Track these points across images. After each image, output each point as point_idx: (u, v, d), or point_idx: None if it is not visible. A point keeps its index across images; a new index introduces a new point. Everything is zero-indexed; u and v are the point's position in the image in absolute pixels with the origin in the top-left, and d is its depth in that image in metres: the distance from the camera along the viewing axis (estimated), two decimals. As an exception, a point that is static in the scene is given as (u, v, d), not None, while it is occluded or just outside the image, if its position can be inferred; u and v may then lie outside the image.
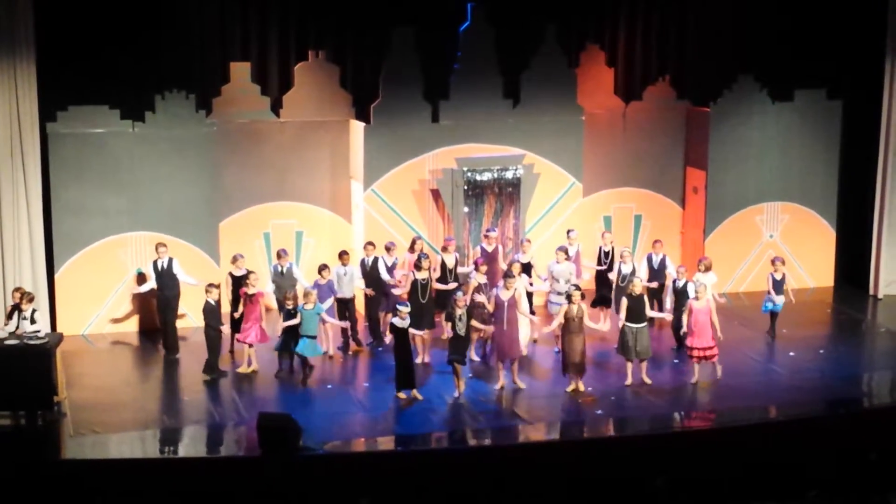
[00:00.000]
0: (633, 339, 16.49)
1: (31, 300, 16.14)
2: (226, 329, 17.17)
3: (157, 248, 18.10)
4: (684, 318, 16.88)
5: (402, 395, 16.11)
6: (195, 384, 16.75)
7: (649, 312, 16.76)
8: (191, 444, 15.16)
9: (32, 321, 15.92)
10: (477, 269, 17.53)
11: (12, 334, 15.60)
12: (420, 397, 16.08)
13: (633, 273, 17.86)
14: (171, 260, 18.03)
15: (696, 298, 16.69)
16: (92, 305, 18.81)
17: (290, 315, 16.82)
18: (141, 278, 18.60)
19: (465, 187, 19.44)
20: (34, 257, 18.18)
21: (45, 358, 15.39)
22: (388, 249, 18.30)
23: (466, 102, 19.66)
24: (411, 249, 18.44)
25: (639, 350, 16.55)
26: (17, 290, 16.39)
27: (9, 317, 16.06)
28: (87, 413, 15.53)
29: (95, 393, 16.34)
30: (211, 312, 16.83)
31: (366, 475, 14.09)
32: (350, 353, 18.00)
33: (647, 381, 16.63)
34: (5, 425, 15.22)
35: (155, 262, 18.05)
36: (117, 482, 13.73)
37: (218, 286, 17.13)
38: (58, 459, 14.44)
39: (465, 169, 19.45)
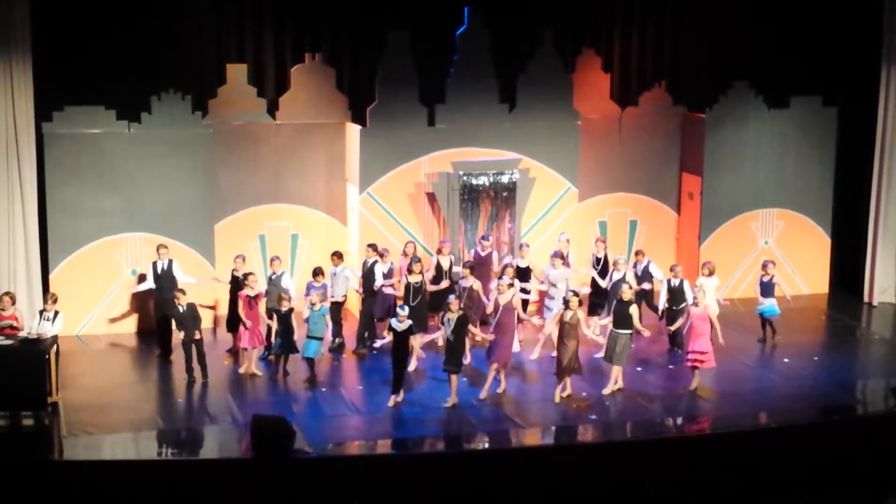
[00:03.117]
0: (615, 344, 16.45)
1: (55, 301, 16.25)
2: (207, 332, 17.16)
3: (157, 250, 18.10)
4: (680, 320, 16.93)
5: (397, 398, 16.08)
6: (189, 386, 16.72)
7: (637, 325, 16.54)
8: (185, 446, 15.12)
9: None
10: (471, 272, 17.59)
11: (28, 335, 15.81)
12: (400, 400, 15.98)
13: (622, 279, 17.77)
14: (171, 262, 18.03)
15: (695, 304, 16.68)
16: (87, 306, 18.79)
17: (283, 318, 16.82)
18: (141, 278, 18.59)
19: (461, 191, 19.44)
20: (29, 258, 18.17)
21: (39, 359, 15.39)
22: (381, 256, 18.27)
23: (463, 106, 19.65)
24: (405, 254, 18.47)
25: (615, 356, 16.46)
26: (50, 294, 16.57)
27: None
28: (81, 414, 15.52)
29: (90, 394, 16.32)
30: (180, 319, 16.80)
31: (358, 478, 14.07)
32: (343, 355, 18.03)
33: (610, 390, 16.46)
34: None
35: (154, 264, 18.06)
36: (111, 483, 13.70)
37: (186, 292, 17.11)
38: (51, 460, 14.41)
39: (460, 173, 19.46)
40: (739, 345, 18.43)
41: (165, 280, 17.92)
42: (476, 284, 17.56)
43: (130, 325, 19.10)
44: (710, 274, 18.13)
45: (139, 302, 18.94)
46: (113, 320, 18.98)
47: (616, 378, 16.55)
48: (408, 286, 17.53)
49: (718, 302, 18.16)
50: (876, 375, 17.75)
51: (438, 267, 18.30)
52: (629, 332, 16.46)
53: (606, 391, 16.46)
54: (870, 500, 13.58)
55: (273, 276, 17.89)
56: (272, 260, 18.16)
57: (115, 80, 18.38)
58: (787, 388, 16.88)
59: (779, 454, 14.90)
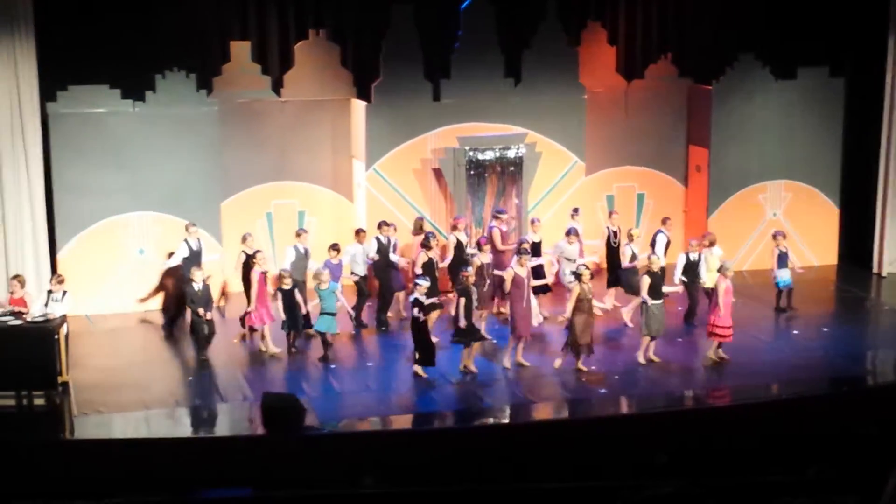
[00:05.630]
0: (657, 317, 16.46)
1: (61, 282, 16.24)
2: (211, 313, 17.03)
3: (187, 228, 18.03)
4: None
5: (419, 370, 16.04)
6: (200, 365, 16.73)
7: (667, 290, 16.75)
8: (195, 424, 15.16)
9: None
10: (480, 248, 17.53)
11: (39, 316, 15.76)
12: (424, 374, 16.03)
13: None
14: (199, 241, 18.07)
15: (725, 276, 16.54)
16: (94, 286, 18.78)
17: (286, 295, 16.78)
18: (170, 255, 18.50)
19: (467, 166, 19.38)
20: (36, 238, 18.18)
21: (48, 339, 15.40)
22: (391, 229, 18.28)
23: (468, 81, 19.60)
24: (416, 232, 18.42)
25: (657, 328, 16.53)
26: (56, 275, 16.60)
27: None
28: (91, 393, 15.54)
29: (99, 373, 16.34)
30: (194, 297, 16.78)
31: (370, 454, 14.08)
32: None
33: (655, 359, 16.59)
34: (10, 406, 15.23)
35: (187, 241, 17.98)
36: (121, 462, 13.72)
37: (202, 270, 17.10)
38: (63, 439, 14.46)
39: (466, 148, 19.40)
40: (749, 316, 18.37)
41: (196, 259, 17.87)
42: (488, 259, 17.50)
43: (138, 304, 19.09)
44: (712, 245, 18.16)
45: (147, 281, 18.93)
46: (142, 300, 18.95)
47: (643, 350, 16.63)
48: (429, 262, 17.50)
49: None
50: (885, 346, 17.76)
51: (459, 243, 18.21)
52: (661, 301, 16.49)
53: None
54: (880, 470, 13.55)
55: (303, 250, 17.86)
56: (298, 233, 18.14)
57: (119, 58, 18.35)
58: (797, 360, 16.84)
59: (788, 425, 14.88)
